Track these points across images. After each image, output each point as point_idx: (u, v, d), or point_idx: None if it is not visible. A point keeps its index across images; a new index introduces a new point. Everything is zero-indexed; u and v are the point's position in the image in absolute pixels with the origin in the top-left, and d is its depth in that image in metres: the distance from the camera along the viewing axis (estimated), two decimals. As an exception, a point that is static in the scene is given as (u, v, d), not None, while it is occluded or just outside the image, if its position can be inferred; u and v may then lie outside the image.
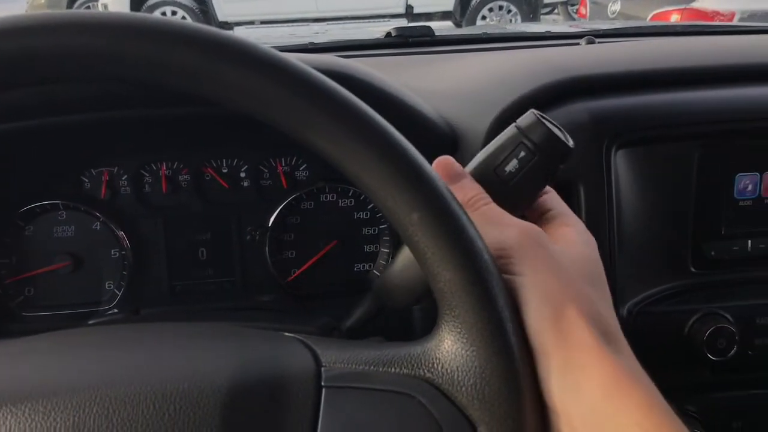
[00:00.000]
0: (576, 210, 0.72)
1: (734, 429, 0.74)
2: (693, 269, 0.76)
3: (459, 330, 0.43)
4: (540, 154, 0.51)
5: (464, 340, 0.43)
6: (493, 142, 0.53)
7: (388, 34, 1.31)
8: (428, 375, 0.44)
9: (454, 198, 0.44)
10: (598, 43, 1.14)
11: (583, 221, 0.71)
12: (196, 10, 7.22)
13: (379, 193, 0.43)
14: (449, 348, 0.43)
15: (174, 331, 0.51)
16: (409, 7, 7.16)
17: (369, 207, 0.90)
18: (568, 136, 0.52)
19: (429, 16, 7.05)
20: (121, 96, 0.70)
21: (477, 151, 0.73)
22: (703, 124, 0.72)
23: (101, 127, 0.77)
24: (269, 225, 0.87)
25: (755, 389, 0.76)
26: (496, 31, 1.48)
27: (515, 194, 0.52)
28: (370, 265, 0.90)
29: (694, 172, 0.74)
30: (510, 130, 0.53)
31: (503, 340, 0.42)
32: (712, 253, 0.76)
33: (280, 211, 0.87)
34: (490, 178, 0.52)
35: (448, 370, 0.43)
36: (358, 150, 0.43)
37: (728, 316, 0.73)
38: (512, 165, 0.51)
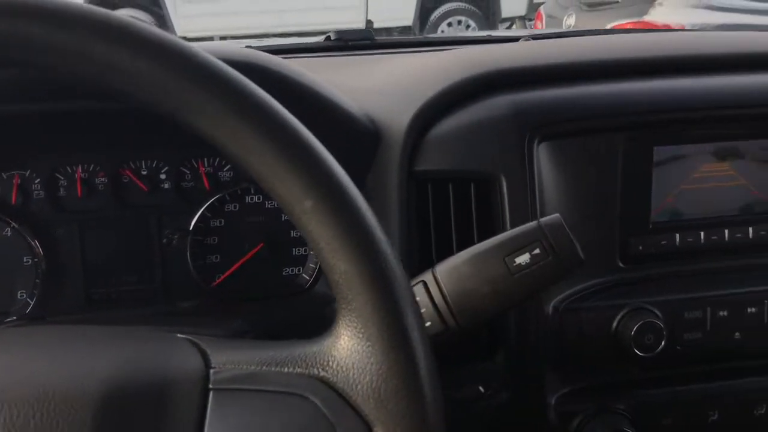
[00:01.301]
0: (499, 205, 0.70)
1: (664, 426, 0.73)
2: (621, 264, 0.74)
3: (356, 325, 0.41)
4: (554, 257, 0.53)
5: (360, 336, 0.41)
6: (511, 230, 0.55)
7: (328, 38, 1.29)
8: (323, 374, 0.42)
9: (351, 183, 0.42)
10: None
11: (507, 216, 0.70)
12: (154, 25, 7.14)
13: (269, 179, 0.41)
14: (345, 344, 0.41)
15: (56, 333, 0.48)
16: (369, 22, 7.18)
17: (297, 208, 0.87)
18: (580, 248, 0.54)
19: (389, 31, 7.09)
20: (24, 87, 0.67)
21: (398, 147, 0.71)
22: (627, 116, 0.71)
23: (9, 125, 0.73)
24: (190, 228, 0.83)
25: (685, 385, 0.75)
26: (438, 36, 1.48)
27: (515, 287, 0.53)
28: (299, 269, 0.87)
29: (619, 165, 0.73)
30: (531, 225, 0.54)
31: (402, 335, 0.40)
32: (640, 247, 0.74)
33: (202, 213, 0.83)
34: (496, 264, 0.53)
35: (344, 368, 0.41)
36: (243, 131, 0.41)
37: (656, 311, 0.71)
38: (524, 258, 0.53)
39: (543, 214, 0.70)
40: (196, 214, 0.83)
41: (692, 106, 0.72)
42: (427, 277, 0.57)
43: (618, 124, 0.72)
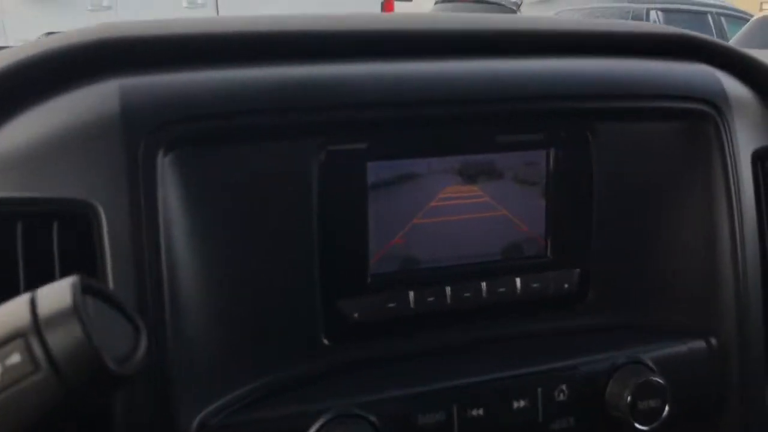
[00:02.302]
0: (98, 261, 0.42)
1: None
2: (325, 341, 0.48)
3: None
4: (49, 372, 0.27)
5: None
6: None
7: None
8: None
9: None
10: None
11: (109, 273, 0.42)
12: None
13: None
14: None
15: None
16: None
17: None
18: (142, 341, 0.30)
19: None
20: None
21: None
22: (307, 113, 0.45)
23: None
24: None
25: None
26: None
27: None
28: None
29: (314, 190, 0.47)
30: (16, 304, 0.28)
31: None
32: (355, 314, 0.49)
33: None
34: None
35: None
36: None
37: (372, 417, 0.45)
38: None
39: (173, 270, 0.43)
40: None
41: (418, 97, 0.48)
42: None
43: (298, 126, 0.46)
